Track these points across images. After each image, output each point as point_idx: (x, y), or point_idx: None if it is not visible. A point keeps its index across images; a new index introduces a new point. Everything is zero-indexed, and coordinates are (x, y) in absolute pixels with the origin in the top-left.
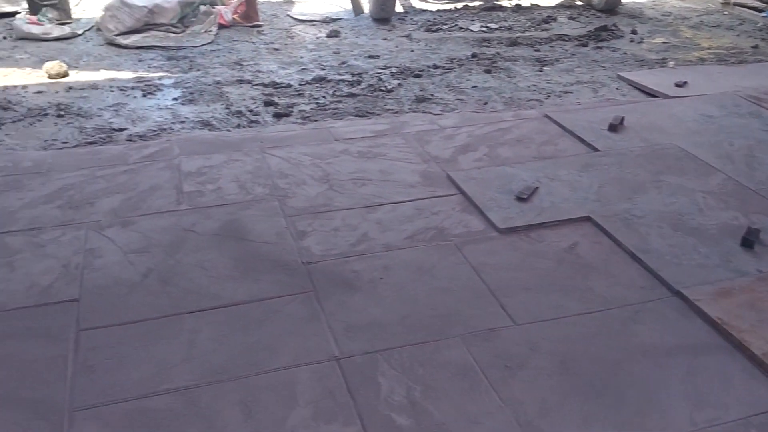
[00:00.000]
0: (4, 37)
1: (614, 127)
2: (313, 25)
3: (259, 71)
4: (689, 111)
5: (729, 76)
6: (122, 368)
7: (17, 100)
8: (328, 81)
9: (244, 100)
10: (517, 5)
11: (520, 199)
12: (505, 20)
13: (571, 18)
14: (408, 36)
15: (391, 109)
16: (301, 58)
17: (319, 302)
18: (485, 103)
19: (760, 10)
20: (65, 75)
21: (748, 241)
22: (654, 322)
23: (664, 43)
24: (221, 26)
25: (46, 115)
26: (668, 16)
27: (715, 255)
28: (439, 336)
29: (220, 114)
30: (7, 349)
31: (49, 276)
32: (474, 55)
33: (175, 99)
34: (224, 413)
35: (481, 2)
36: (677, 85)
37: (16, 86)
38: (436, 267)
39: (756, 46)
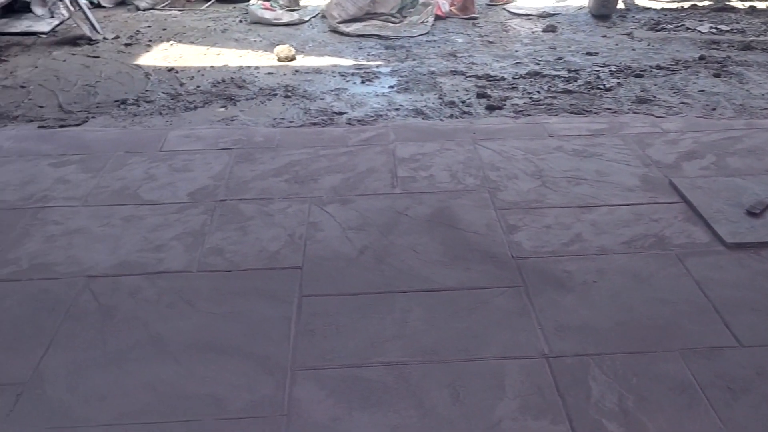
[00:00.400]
0: (240, 21)
1: None
2: (529, 19)
3: (473, 63)
4: None
5: None
6: (339, 336)
7: (250, 79)
8: (543, 76)
9: (457, 91)
10: (752, 7)
11: (752, 213)
12: (738, 22)
13: None
14: (629, 34)
15: (609, 109)
16: (516, 51)
17: (529, 298)
18: (713, 109)
19: None
20: (293, 59)
21: None
22: None
23: None
24: (437, 17)
25: (275, 95)
26: None
27: None
28: (656, 348)
29: (433, 104)
30: (240, 305)
31: (277, 243)
32: (702, 58)
33: (391, 87)
34: (433, 393)
35: (711, 2)
36: None
37: (249, 66)
38: (654, 276)
39: None
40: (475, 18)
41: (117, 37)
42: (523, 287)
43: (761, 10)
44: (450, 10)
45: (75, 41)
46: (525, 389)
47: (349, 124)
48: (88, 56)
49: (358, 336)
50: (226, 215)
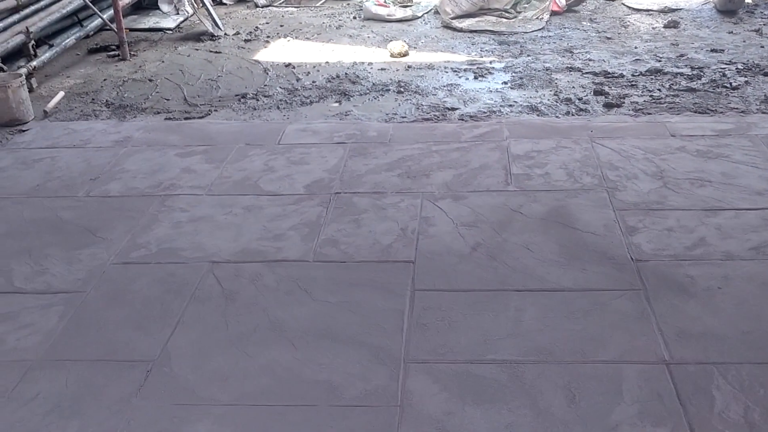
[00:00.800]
0: (354, 17)
1: None
2: (650, 14)
3: (590, 59)
4: None
5: None
6: (452, 331)
7: (364, 75)
8: (665, 73)
9: (573, 87)
10: None
11: None
12: None
13: None
14: (758, 30)
15: (736, 108)
16: (635, 48)
17: (649, 302)
18: None
19: None
20: (406, 54)
21: None
22: None
23: None
24: (553, 13)
25: (388, 90)
26: None
27: None
28: None
29: (548, 100)
30: (354, 296)
31: (390, 236)
32: None
33: (504, 83)
34: (548, 394)
35: None
36: None
37: (363, 62)
38: None
39: None
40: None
41: (237, 33)
42: (642, 290)
43: None
44: (565, 3)
45: (198, 37)
46: (644, 395)
47: (462, 120)
48: (211, 51)
49: (471, 332)
50: (340, 207)
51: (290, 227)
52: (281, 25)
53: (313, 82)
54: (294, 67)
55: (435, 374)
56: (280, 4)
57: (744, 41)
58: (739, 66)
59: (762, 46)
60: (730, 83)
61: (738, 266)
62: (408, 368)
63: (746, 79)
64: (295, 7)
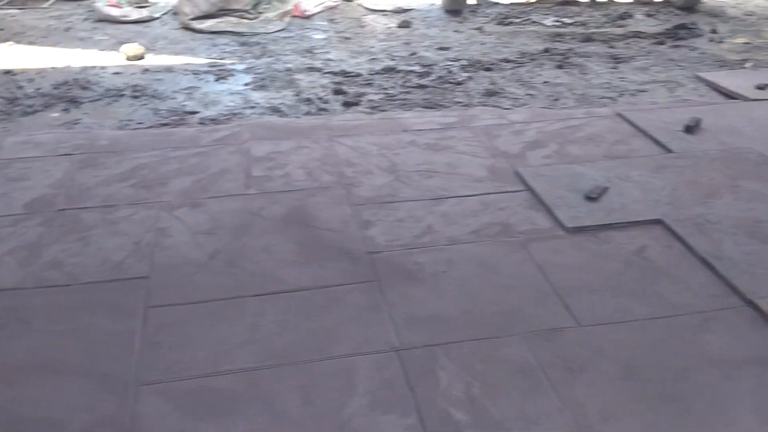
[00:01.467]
0: (85, 19)
1: (690, 129)
2: (385, 15)
3: (330, 59)
4: None
5: None
6: (187, 347)
7: (96, 80)
8: (398, 71)
9: (314, 87)
10: (593, 0)
11: (590, 198)
12: (580, 15)
13: (648, 15)
14: (479, 29)
15: (461, 102)
16: (372, 47)
17: (382, 292)
18: (556, 100)
19: None
20: (142, 57)
21: None
22: (724, 331)
23: (745, 43)
24: (295, 17)
25: (123, 95)
26: (751, 15)
27: None
28: (501, 333)
29: (290, 101)
30: (79, 321)
31: (121, 252)
32: (546, 50)
33: (246, 84)
34: (284, 396)
35: None
36: (759, 87)
37: (95, 67)
38: (500, 263)
39: None
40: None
41: None
42: (376, 282)
43: (601, 3)
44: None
45: None
46: (375, 384)
47: (202, 123)
48: None
49: (208, 345)
50: (65, 226)
51: (5, 252)
52: (1, 29)
53: (38, 89)
54: (15, 74)
55: (168, 394)
56: (1, 6)
57: (468, 39)
58: (464, 62)
59: (483, 43)
60: (456, 79)
61: (460, 249)
62: (139, 392)
63: (469, 74)
64: (18, 8)
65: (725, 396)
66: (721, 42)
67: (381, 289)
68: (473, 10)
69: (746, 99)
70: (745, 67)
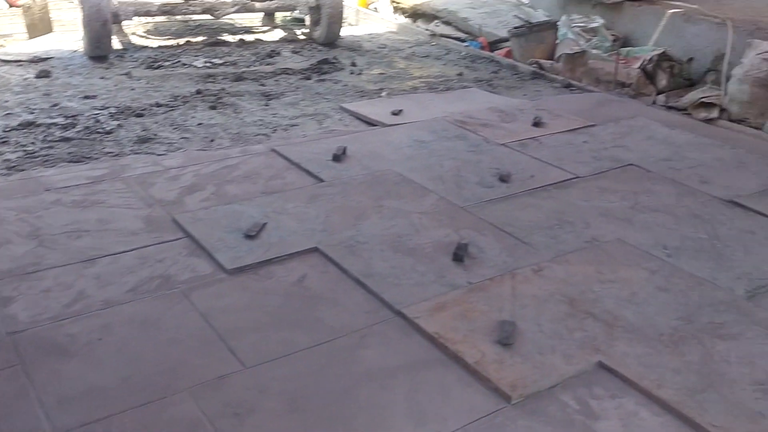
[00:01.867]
0: None
1: (338, 157)
2: (20, 65)
3: None
4: (404, 137)
5: (438, 103)
6: None
7: None
8: (38, 125)
9: None
10: (241, 40)
11: (249, 236)
12: (230, 55)
13: (294, 52)
14: (128, 74)
15: (111, 152)
16: (6, 102)
17: (28, 376)
18: (212, 141)
19: (462, 40)
20: None
21: (459, 256)
22: (379, 344)
23: (381, 74)
24: None
25: None
26: (384, 48)
27: (431, 272)
28: (165, 393)
29: None
30: None
31: None
32: (199, 92)
33: None
34: None
35: (205, 38)
36: (393, 113)
37: None
38: (162, 319)
39: (461, 74)
40: None
41: None
42: (20, 365)
43: (250, 42)
44: None
45: None
46: None
47: None
48: None
49: None
50: None
51: None
52: None
53: None
54: None
55: None
56: None
57: (116, 85)
58: (112, 110)
59: (133, 89)
60: (104, 128)
61: (118, 311)
62: None
63: (119, 122)
64: None
65: (383, 406)
66: (360, 74)
67: (27, 372)
68: (120, 54)
69: (384, 125)
70: (381, 96)
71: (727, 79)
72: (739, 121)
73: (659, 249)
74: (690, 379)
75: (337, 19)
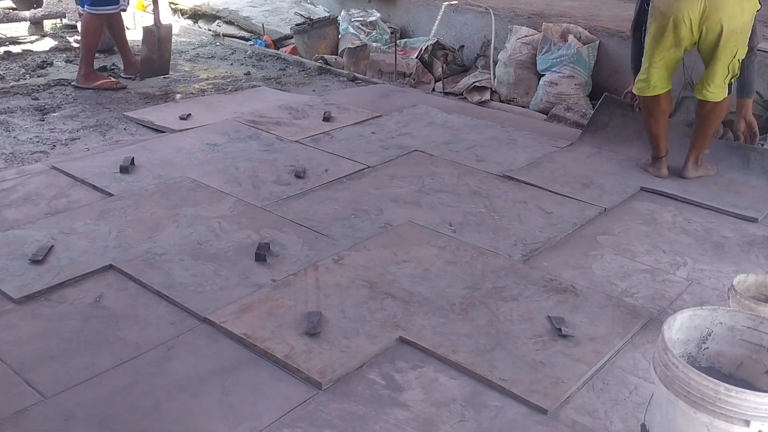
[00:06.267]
0: None
1: (125, 169)
2: None
3: None
4: (196, 142)
5: (228, 104)
6: None
7: None
8: None
9: None
10: (7, 52)
11: (35, 261)
12: None
13: (68, 61)
14: None
15: None
16: None
17: None
18: None
19: (247, 39)
20: None
21: (261, 255)
22: (187, 354)
23: (165, 77)
24: None
25: None
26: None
27: (234, 275)
28: None
29: None
30: None
31: None
32: None
33: None
34: None
35: None
36: (182, 118)
37: None
38: None
39: (248, 73)
40: None
41: None
42: None
43: (17, 54)
44: None
45: None
46: None
47: None
48: None
49: None
50: None
51: None
52: None
53: None
54: None
55: None
56: None
57: None
58: None
59: None
60: None
61: None
62: None
63: None
64: None
65: (196, 414)
66: (143, 79)
67: None
68: None
69: (173, 130)
70: (175, 100)
71: (495, 63)
72: (508, 101)
73: (446, 226)
74: (480, 341)
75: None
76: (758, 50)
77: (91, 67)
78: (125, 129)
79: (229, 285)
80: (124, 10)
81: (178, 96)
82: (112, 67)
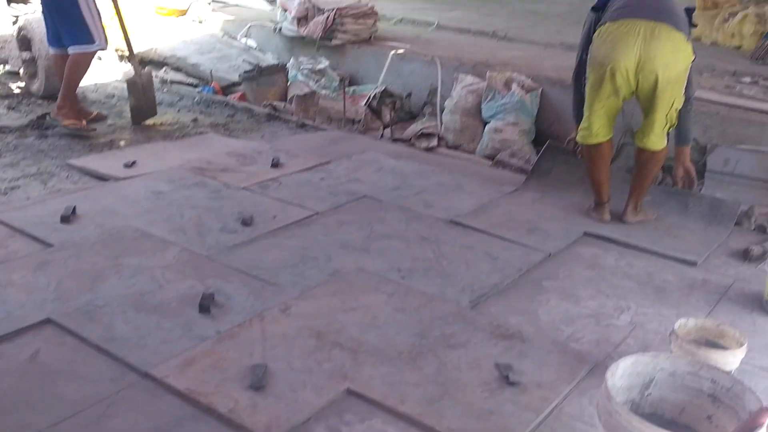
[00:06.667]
0: None
1: (67, 218)
2: None
3: None
4: (141, 190)
5: (175, 151)
6: None
7: None
8: None
9: None
10: None
11: None
12: None
13: (10, 108)
14: None
15: None
16: None
17: None
18: None
19: (195, 86)
20: None
21: (205, 306)
22: (127, 411)
23: (110, 125)
24: None
25: None
26: (112, 98)
27: (177, 327)
28: None
29: None
30: None
31: None
32: None
33: None
34: None
35: None
36: (126, 165)
37: None
38: None
39: (196, 120)
40: None
41: None
42: None
43: None
44: None
45: None
46: None
47: None
48: None
49: None
50: None
51: None
52: None
53: None
54: None
55: None
56: None
57: None
58: None
59: None
60: None
61: None
62: None
63: None
64: None
65: None
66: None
67: None
68: None
69: (118, 178)
70: (120, 147)
71: (441, 110)
72: (455, 147)
73: (394, 272)
74: (428, 391)
75: (54, 71)
76: (694, 98)
77: (68, 102)
78: (68, 177)
79: (171, 337)
80: (104, 49)
81: (122, 143)
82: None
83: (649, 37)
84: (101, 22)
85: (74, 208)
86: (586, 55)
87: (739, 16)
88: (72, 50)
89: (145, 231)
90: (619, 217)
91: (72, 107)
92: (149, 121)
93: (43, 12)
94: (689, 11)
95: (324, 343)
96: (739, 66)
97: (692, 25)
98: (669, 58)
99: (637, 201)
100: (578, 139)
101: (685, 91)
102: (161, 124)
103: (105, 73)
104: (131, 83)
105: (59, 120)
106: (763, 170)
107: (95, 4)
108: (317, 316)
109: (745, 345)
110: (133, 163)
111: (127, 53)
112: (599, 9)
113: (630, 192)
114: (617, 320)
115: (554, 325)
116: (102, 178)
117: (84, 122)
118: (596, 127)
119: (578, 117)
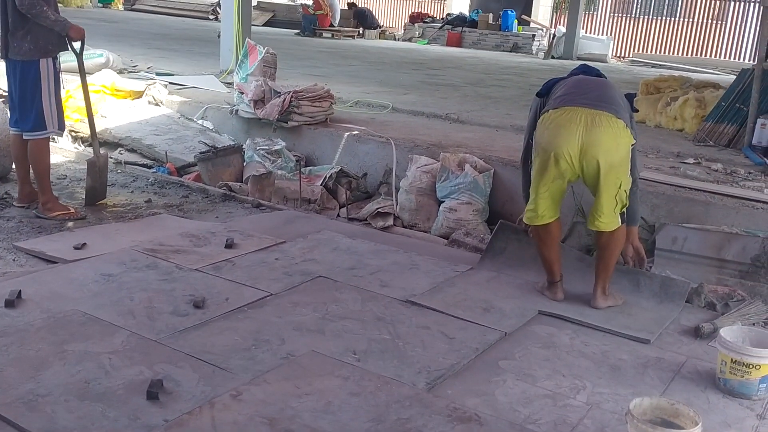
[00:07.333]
0: None
1: (11, 303)
2: None
3: None
4: (90, 273)
5: (127, 233)
6: None
7: None
8: None
9: None
10: None
11: None
12: None
13: None
14: None
15: None
16: None
17: None
18: None
19: (149, 167)
20: None
21: (153, 393)
22: None
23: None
24: None
25: None
26: (64, 179)
27: (123, 416)
28: None
29: None
30: None
31: None
32: None
33: None
34: None
35: None
36: (76, 248)
37: None
38: None
39: (149, 200)
40: None
41: None
42: None
43: None
44: None
45: None
46: None
47: None
48: None
49: None
50: None
51: None
52: None
53: None
54: None
55: None
56: None
57: None
58: None
59: None
60: None
61: None
62: None
63: None
64: None
65: None
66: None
67: None
68: None
69: (66, 261)
70: (68, 228)
71: (397, 190)
72: (411, 227)
73: (349, 355)
74: None
75: (7, 152)
76: (640, 179)
77: (51, 195)
78: (14, 260)
79: (117, 427)
80: (59, 134)
81: (70, 224)
82: (5, 196)
83: (590, 125)
84: (60, 107)
85: (19, 292)
86: (533, 139)
87: (680, 100)
88: (26, 136)
89: (92, 315)
90: (588, 302)
91: (54, 199)
92: (101, 203)
93: (9, 93)
94: (630, 97)
95: (277, 430)
96: (682, 147)
97: (634, 110)
98: (610, 144)
99: (604, 284)
100: (525, 220)
101: (631, 173)
102: (113, 205)
103: (57, 154)
104: (90, 164)
105: (46, 215)
106: (710, 248)
107: (58, 91)
108: (269, 402)
109: (700, 424)
110: (83, 245)
111: (81, 134)
112: (543, 95)
113: (596, 276)
114: (574, 400)
115: (511, 407)
116: (50, 260)
117: (72, 209)
118: (542, 209)
119: (527, 198)
